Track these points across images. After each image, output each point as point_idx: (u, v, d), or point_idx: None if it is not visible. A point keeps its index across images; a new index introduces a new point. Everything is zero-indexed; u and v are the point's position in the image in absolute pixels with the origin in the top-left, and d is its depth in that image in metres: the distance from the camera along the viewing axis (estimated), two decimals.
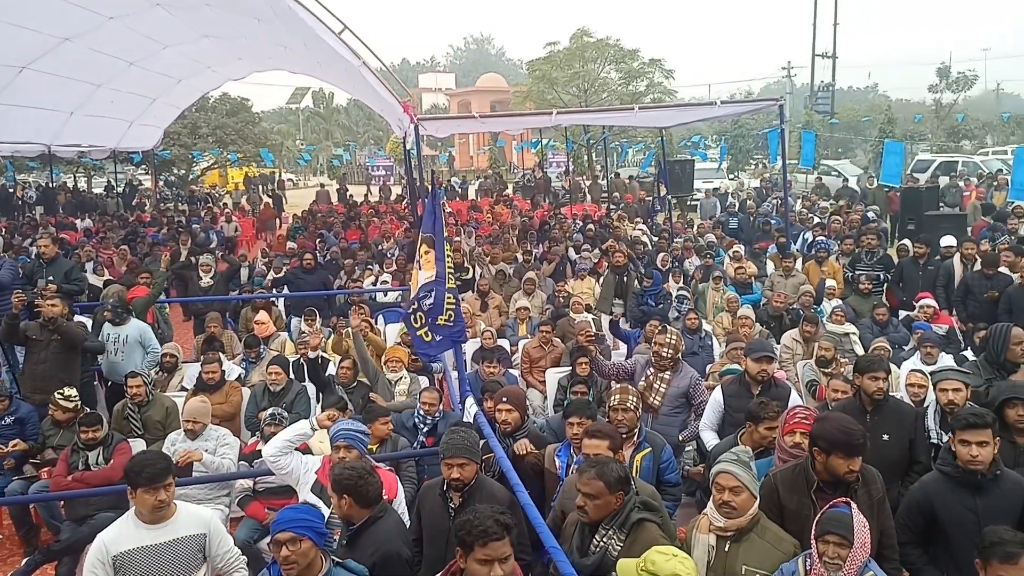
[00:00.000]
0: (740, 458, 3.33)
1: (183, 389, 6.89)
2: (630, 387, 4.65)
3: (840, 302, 8.75)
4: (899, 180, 14.69)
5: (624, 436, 4.29)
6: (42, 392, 6.21)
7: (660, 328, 6.03)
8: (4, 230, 17.34)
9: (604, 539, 3.26)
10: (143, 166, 31.96)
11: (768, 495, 3.54)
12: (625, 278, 9.86)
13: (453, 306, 5.34)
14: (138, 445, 5.61)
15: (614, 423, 4.36)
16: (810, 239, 12.49)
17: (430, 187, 6.38)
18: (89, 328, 7.17)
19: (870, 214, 14.50)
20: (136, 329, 7.16)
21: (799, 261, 11.16)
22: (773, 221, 14.69)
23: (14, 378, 6.62)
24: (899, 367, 6.68)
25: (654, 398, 5.46)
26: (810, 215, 15.64)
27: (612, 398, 4.50)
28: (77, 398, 5.80)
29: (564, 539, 3.48)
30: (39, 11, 10.72)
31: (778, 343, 7.55)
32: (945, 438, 4.55)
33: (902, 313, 8.76)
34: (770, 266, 11.19)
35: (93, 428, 5.27)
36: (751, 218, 15.75)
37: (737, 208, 17.64)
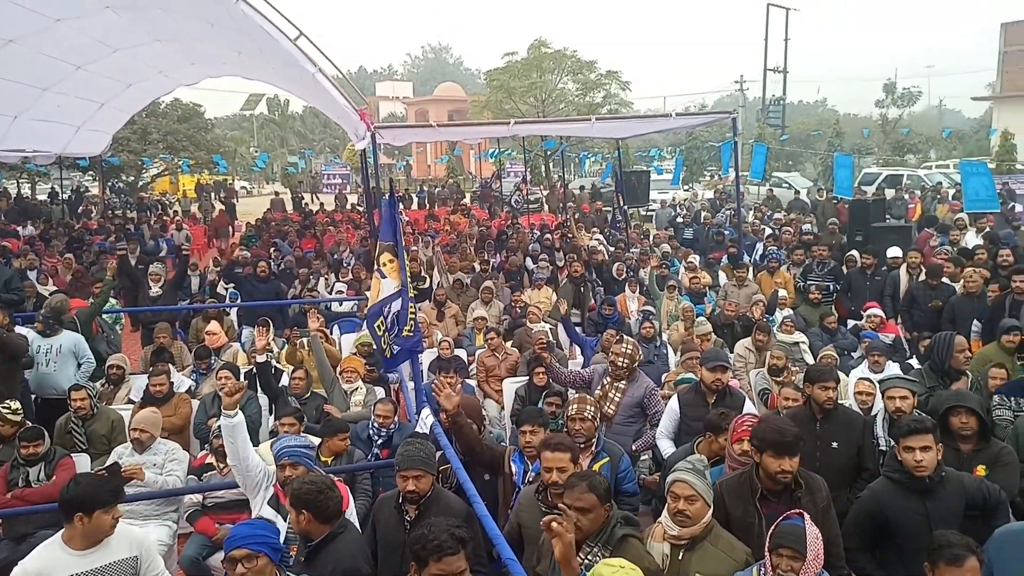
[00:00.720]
0: (695, 467, 3.35)
1: (130, 402, 6.69)
2: (587, 396, 4.66)
3: (791, 312, 8.92)
4: (851, 192, 15.12)
5: (582, 446, 4.29)
6: None
7: (617, 337, 6.07)
8: None
9: (589, 556, 3.16)
10: (90, 172, 31.14)
11: (714, 503, 3.58)
12: (582, 288, 9.92)
13: (414, 316, 5.31)
14: (82, 460, 5.43)
15: (572, 433, 4.36)
16: (762, 250, 12.74)
17: (388, 195, 6.32)
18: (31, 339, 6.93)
19: (805, 226, 14.89)
20: (70, 340, 6.93)
21: (751, 271, 11.36)
22: (726, 232, 14.95)
23: None
24: (847, 375, 6.84)
25: (608, 407, 5.50)
26: (762, 226, 15.95)
27: (570, 408, 4.51)
28: (21, 412, 5.59)
29: (542, 556, 3.41)
30: None
31: (731, 352, 7.66)
32: (893, 444, 4.67)
33: (850, 322, 8.98)
34: (723, 276, 11.37)
35: (34, 443, 5.07)
36: (705, 229, 16.00)
37: (692, 219, 17.91)
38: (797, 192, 24.00)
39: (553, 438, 3.89)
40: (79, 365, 6.93)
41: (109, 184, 30.68)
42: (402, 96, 62.61)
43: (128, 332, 10.72)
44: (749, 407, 5.22)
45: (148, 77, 17.50)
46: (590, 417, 4.42)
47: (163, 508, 5.15)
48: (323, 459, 5.12)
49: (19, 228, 19.20)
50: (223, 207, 25.97)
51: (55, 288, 10.55)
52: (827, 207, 18.08)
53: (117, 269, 9.12)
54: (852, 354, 7.72)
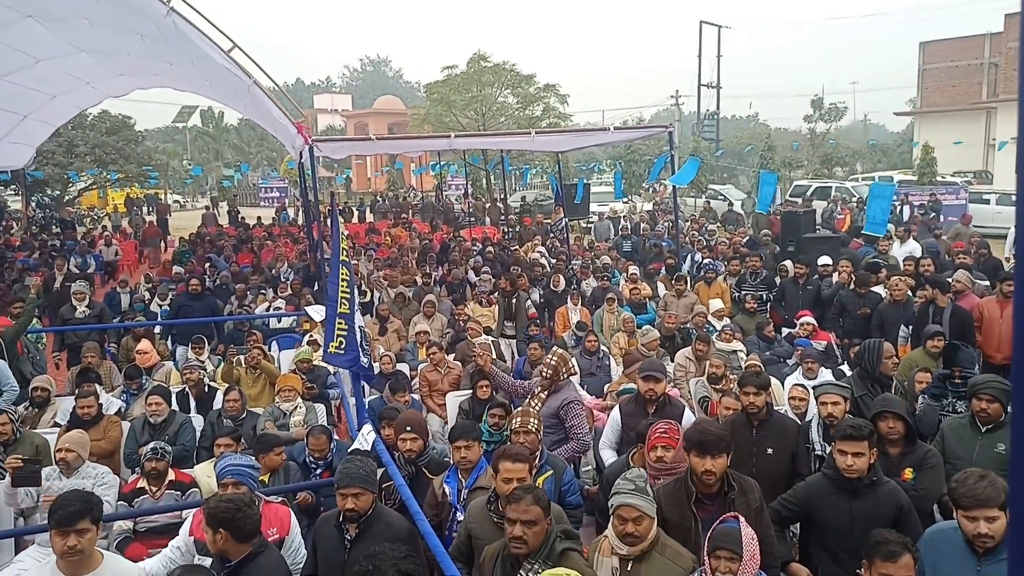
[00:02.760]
0: (637, 485, 3.37)
1: (56, 425, 6.40)
2: (531, 410, 4.67)
3: (728, 321, 9.12)
4: (767, 209, 15.78)
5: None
6: None
7: (545, 349, 6.13)
8: None
9: (531, 572, 3.17)
10: (13, 186, 29.88)
11: None
12: (515, 301, 9.97)
13: (345, 332, 5.18)
14: (5, 483, 5.16)
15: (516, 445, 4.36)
16: (699, 260, 13.02)
17: (328, 209, 6.25)
18: None
19: (739, 239, 15.34)
20: None
21: (689, 282, 11.59)
22: (665, 243, 15.22)
23: None
24: (783, 382, 7.02)
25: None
26: (700, 237, 16.31)
27: (514, 420, 4.51)
28: None
29: (484, 573, 3.40)
30: None
31: (672, 362, 7.79)
32: (828, 448, 4.81)
33: (784, 330, 9.23)
34: (661, 287, 11.56)
35: None
36: (644, 241, 16.27)
37: (631, 231, 18.19)
38: (731, 204, 24.64)
39: (511, 448, 3.89)
40: (0, 391, 6.58)
41: (33, 198, 29.47)
42: (341, 109, 62.02)
43: (51, 352, 10.26)
44: (689, 416, 5.30)
45: (74, 88, 16.90)
46: (534, 430, 4.43)
47: None
48: (259, 478, 4.99)
49: None
50: (154, 220, 25.29)
51: None
52: (760, 219, 18.60)
53: (42, 287, 8.76)
54: (787, 361, 7.93)
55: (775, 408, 5.40)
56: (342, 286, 5.17)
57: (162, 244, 22.38)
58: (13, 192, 31.40)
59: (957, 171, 28.68)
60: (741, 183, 40.33)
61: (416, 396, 7.59)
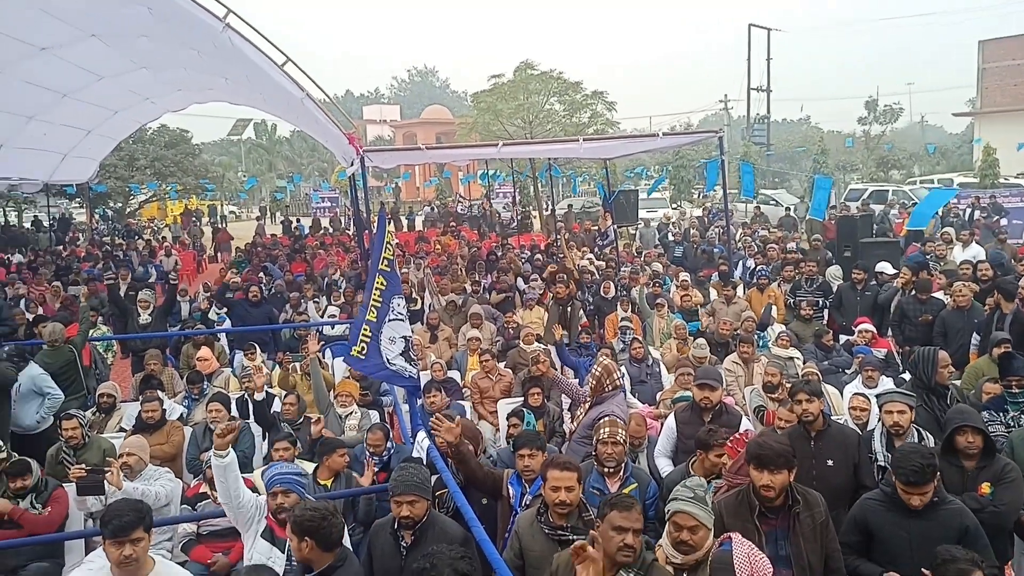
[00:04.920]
0: (696, 494, 3.32)
1: (122, 430, 6.61)
2: (619, 420, 4.62)
3: (784, 327, 8.95)
4: (823, 215, 15.55)
5: (611, 470, 4.28)
6: None
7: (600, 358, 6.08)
8: None
9: None
10: (77, 199, 31.01)
11: (713, 522, 3.58)
12: (569, 308, 9.93)
13: (368, 339, 5.25)
14: (74, 490, 5.35)
15: (602, 456, 4.34)
16: (751, 266, 12.81)
17: (377, 218, 6.34)
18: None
19: (791, 244, 15.03)
20: (28, 377, 6.72)
21: (741, 288, 11.42)
22: (716, 250, 15.03)
23: None
24: (842, 391, 6.86)
25: (574, 424, 5.50)
26: (751, 243, 16.05)
27: (601, 431, 4.44)
28: (5, 448, 5.52)
29: None
30: None
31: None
32: (891, 459, 4.67)
33: (842, 338, 9.02)
34: (713, 294, 11.41)
35: (22, 477, 5.01)
36: (694, 247, 16.09)
37: (681, 237, 18.00)
38: (787, 209, 24.16)
39: (559, 457, 3.86)
40: (44, 399, 6.78)
41: (96, 211, 30.58)
42: (389, 119, 62.86)
43: (119, 359, 10.62)
44: (746, 424, 5.22)
45: (134, 104, 17.53)
46: (621, 441, 4.38)
47: (157, 537, 5.06)
48: (322, 481, 5.07)
49: (7, 256, 19.08)
50: (221, 228, 26.60)
51: (42, 315, 10.47)
52: (814, 223, 18.23)
53: (108, 297, 9.06)
54: (846, 371, 7.74)
55: (834, 418, 5.28)
56: (375, 295, 5.25)
57: (218, 255, 23.06)
58: (78, 205, 32.61)
59: (1022, 172, 27.67)
60: (793, 187, 39.59)
61: (466, 403, 7.64)
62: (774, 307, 9.83)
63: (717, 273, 12.32)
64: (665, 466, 5.22)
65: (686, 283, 11.22)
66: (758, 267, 12.29)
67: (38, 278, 14.37)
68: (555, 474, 3.68)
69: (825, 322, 9.56)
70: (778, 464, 3.54)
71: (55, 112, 15.31)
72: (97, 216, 30.47)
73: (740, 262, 13.43)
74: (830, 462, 4.57)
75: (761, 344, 8.45)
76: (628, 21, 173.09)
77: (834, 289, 10.20)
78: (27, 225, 28.99)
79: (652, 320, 9.78)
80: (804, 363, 7.68)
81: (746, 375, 7.48)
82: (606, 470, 4.36)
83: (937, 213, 14.33)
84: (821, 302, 9.91)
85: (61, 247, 22.13)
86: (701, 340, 8.21)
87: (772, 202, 27.27)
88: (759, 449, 3.59)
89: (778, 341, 8.07)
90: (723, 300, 10.09)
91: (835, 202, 21.43)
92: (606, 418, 4.68)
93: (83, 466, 5.00)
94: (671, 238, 18.09)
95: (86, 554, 4.76)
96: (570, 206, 27.23)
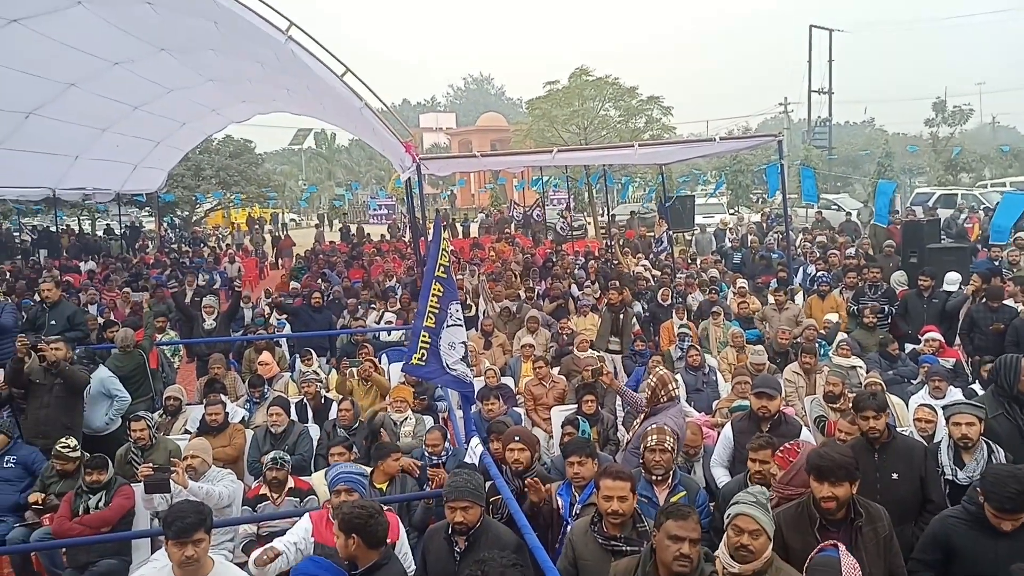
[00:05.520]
0: (758, 499, 3.26)
1: (186, 432, 6.83)
2: (666, 428, 4.59)
3: (846, 335, 8.71)
4: (886, 220, 15.10)
5: (660, 478, 4.24)
6: (44, 437, 6.17)
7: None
8: (8, 274, 17.39)
9: None
10: (147, 208, 32.17)
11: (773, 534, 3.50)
12: (622, 315, 9.85)
13: (428, 345, 5.29)
14: (141, 489, 5.54)
15: (649, 463, 4.31)
16: (812, 273, 12.50)
17: (432, 225, 6.42)
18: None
19: (849, 250, 14.60)
20: (98, 380, 6.97)
21: (799, 295, 11.15)
22: (775, 255, 14.72)
23: (16, 421, 6.57)
24: (907, 402, 6.64)
25: (630, 434, 5.45)
26: (812, 249, 15.68)
27: (649, 438, 4.41)
28: (79, 447, 5.75)
29: None
30: (46, 58, 10.91)
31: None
32: (960, 474, 4.49)
33: (908, 346, 8.73)
34: (772, 301, 11.17)
35: (98, 471, 5.23)
36: (753, 253, 15.79)
37: (739, 243, 17.69)
38: (848, 214, 23.50)
39: (612, 466, 3.84)
40: (112, 402, 7.03)
41: (164, 219, 31.69)
42: (445, 127, 63.45)
43: (184, 363, 10.98)
44: (806, 435, 5.10)
45: (201, 115, 18.18)
46: (670, 449, 4.33)
47: (219, 537, 5.21)
48: (377, 485, 5.15)
49: (80, 263, 19.91)
50: (284, 235, 27.76)
51: (112, 320, 10.91)
52: (878, 229, 17.71)
53: (174, 303, 9.38)
54: (912, 381, 7.49)
55: (899, 429, 5.11)
56: (432, 301, 5.31)
57: (279, 261, 23.66)
58: (147, 213, 33.83)
59: None
60: (856, 191, 38.49)
61: (519, 410, 7.65)
62: (834, 316, 9.55)
63: (776, 280, 12.07)
64: (722, 476, 5.13)
65: (744, 290, 11.02)
66: (819, 273, 11.99)
67: (109, 284, 14.94)
68: (608, 483, 3.65)
69: (889, 330, 9.26)
70: (840, 476, 3.44)
71: (127, 124, 15.99)
72: (165, 224, 31.58)
73: (800, 268, 13.13)
74: (895, 475, 4.41)
75: (822, 353, 8.24)
76: (686, 26, 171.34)
77: (898, 296, 9.88)
78: (100, 233, 30.23)
79: (708, 327, 9.63)
80: (867, 372, 7.45)
81: (807, 386, 7.30)
82: (654, 478, 4.32)
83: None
84: (887, 309, 9.62)
85: (131, 254, 22.98)
86: (759, 347, 8.06)
87: (834, 207, 26.58)
88: (821, 460, 3.49)
89: (839, 350, 7.85)
90: (775, 306, 9.88)
91: (900, 207, 20.76)
92: (653, 425, 4.64)
93: (150, 465, 5.19)
94: (728, 244, 17.79)
95: (152, 552, 4.93)
96: (633, 213, 27.02)
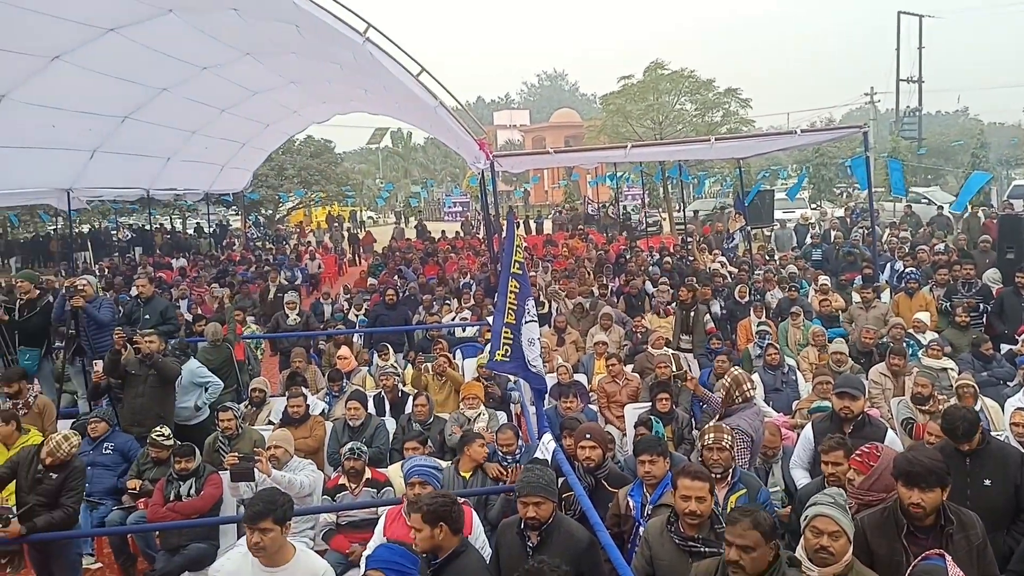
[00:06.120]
0: (837, 501, 3.17)
1: (270, 423, 7.08)
2: (724, 425, 4.51)
3: (936, 335, 8.33)
4: (961, 208, 14.37)
5: (718, 476, 4.18)
6: (139, 425, 6.50)
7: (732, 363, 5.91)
8: (106, 271, 18.39)
9: None
10: (233, 207, 33.46)
11: (856, 540, 3.37)
12: (693, 313, 9.68)
13: (510, 341, 5.33)
14: (228, 477, 5.78)
15: (708, 462, 4.24)
16: (900, 269, 11.99)
17: (506, 222, 6.46)
18: None
19: (939, 246, 13.90)
20: (188, 371, 7.25)
21: (887, 292, 10.71)
22: (860, 251, 14.17)
23: (114, 410, 6.95)
24: (1003, 405, 6.30)
25: None
26: (900, 244, 15.04)
27: (706, 436, 4.36)
28: (172, 436, 6.04)
29: None
30: (140, 64, 11.46)
31: (867, 379, 7.23)
32: None
33: (1003, 347, 8.28)
34: (856, 298, 10.78)
35: (186, 459, 5.48)
36: (836, 249, 15.25)
37: (821, 239, 17.12)
38: (940, 208, 22.40)
39: (690, 466, 3.79)
40: (204, 390, 7.33)
41: (250, 218, 32.91)
42: (519, 124, 63.68)
43: (267, 356, 11.37)
44: (892, 438, 4.91)
45: (283, 117, 18.80)
46: (727, 447, 4.27)
47: (300, 525, 5.39)
48: (463, 472, 5.24)
49: (172, 260, 20.87)
50: (366, 232, 29.09)
51: (200, 314, 11.40)
52: (973, 223, 16.85)
53: (259, 298, 9.73)
54: (1008, 383, 7.10)
55: (994, 434, 4.86)
56: (510, 298, 5.34)
57: (357, 259, 24.25)
58: (234, 212, 35.18)
59: None
60: (949, 184, 36.70)
61: (594, 407, 7.62)
62: (924, 314, 9.13)
63: (860, 277, 11.63)
64: (802, 478, 5.00)
65: (826, 287, 10.66)
66: (907, 270, 11.49)
67: (198, 281, 15.61)
68: (686, 483, 3.61)
69: (984, 330, 8.80)
70: (931, 482, 3.30)
71: (214, 126, 16.68)
72: (250, 223, 32.81)
73: (887, 265, 12.61)
74: (987, 482, 4.20)
75: (911, 354, 7.89)
76: (765, 16, 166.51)
77: (994, 293, 9.38)
78: (190, 231, 31.62)
79: (787, 327, 9.36)
80: (959, 374, 7.11)
81: (895, 387, 7.02)
82: (713, 476, 4.24)
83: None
84: (981, 307, 9.15)
85: (219, 252, 23.94)
86: (840, 340, 7.81)
87: (924, 200, 25.41)
88: (910, 466, 3.35)
89: (930, 351, 7.51)
90: (862, 305, 9.51)
91: (996, 200, 19.66)
92: (711, 424, 4.55)
93: (236, 454, 5.40)
94: (809, 240, 17.23)
95: (238, 538, 5.14)
96: (720, 207, 26.52)
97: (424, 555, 3.58)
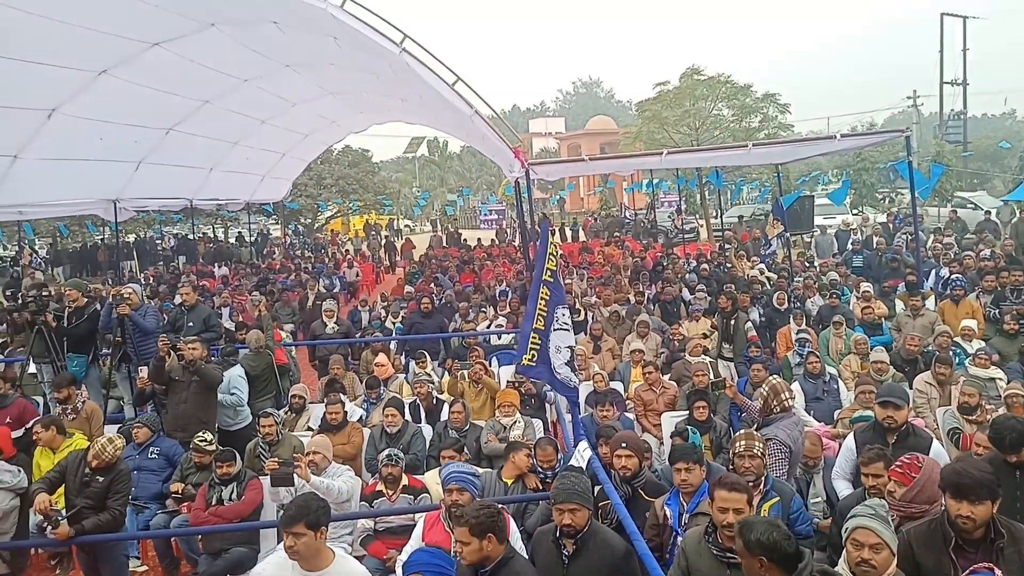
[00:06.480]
0: (878, 512, 3.10)
1: (309, 429, 7.17)
2: (755, 432, 4.46)
3: (983, 344, 8.11)
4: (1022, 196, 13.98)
5: (750, 484, 4.12)
6: (183, 431, 6.63)
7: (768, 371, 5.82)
8: (151, 279, 18.81)
9: None
10: (274, 216, 34.02)
11: (902, 553, 3.30)
12: (734, 321, 9.57)
13: (538, 347, 5.34)
14: (268, 482, 5.86)
15: (739, 470, 4.19)
16: (945, 276, 11.71)
17: (540, 230, 6.49)
18: None
19: (985, 252, 13.52)
20: (227, 378, 7.34)
21: (931, 299, 10.46)
22: (903, 257, 13.87)
23: (159, 415, 7.10)
24: None
25: None
26: (945, 251, 14.68)
27: (738, 444, 4.31)
28: (214, 441, 6.16)
29: None
30: (183, 77, 11.76)
31: (911, 388, 7.08)
32: None
33: None
34: (899, 306, 10.55)
35: (227, 463, 5.57)
36: (879, 255, 14.95)
37: (862, 245, 16.79)
38: (987, 212, 21.80)
39: (728, 477, 3.73)
40: (230, 395, 7.43)
41: (289, 227, 33.41)
42: (554, 132, 63.67)
43: (305, 363, 11.51)
44: (937, 448, 4.79)
45: (322, 127, 19.10)
46: (759, 454, 4.22)
47: (338, 530, 5.45)
48: (505, 478, 5.24)
49: (214, 268, 21.27)
50: (406, 238, 29.82)
51: (242, 322, 11.59)
52: (1021, 228, 16.39)
53: (298, 306, 9.87)
54: None
55: None
56: (540, 304, 5.37)
57: (393, 268, 24.52)
58: (274, 221, 35.76)
59: None
60: (996, 188, 35.75)
61: (630, 415, 7.57)
62: (971, 321, 8.90)
63: (904, 283, 11.38)
64: (844, 489, 4.90)
65: (868, 294, 10.45)
66: (953, 276, 11.21)
67: (239, 289, 15.87)
68: (723, 495, 3.55)
69: None
70: (980, 495, 3.21)
71: (255, 137, 17.02)
72: (290, 231, 33.30)
73: (932, 271, 12.32)
74: None
75: (958, 363, 7.70)
76: (802, 19, 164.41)
77: None
78: (232, 240, 32.21)
79: (828, 335, 9.19)
80: (1008, 384, 6.91)
81: (941, 397, 6.85)
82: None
83: None
84: None
85: (259, 260, 24.34)
86: (879, 347, 7.65)
87: (970, 205, 24.77)
88: (959, 477, 3.25)
89: (977, 359, 7.32)
90: (909, 313, 9.31)
91: None
92: (742, 431, 4.49)
93: (276, 460, 5.48)
94: (850, 246, 16.91)
95: (278, 542, 5.21)
96: (771, 214, 26.18)
97: (470, 566, 3.57)
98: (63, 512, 4.79)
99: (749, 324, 9.68)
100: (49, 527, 4.63)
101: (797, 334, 9.03)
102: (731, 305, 9.62)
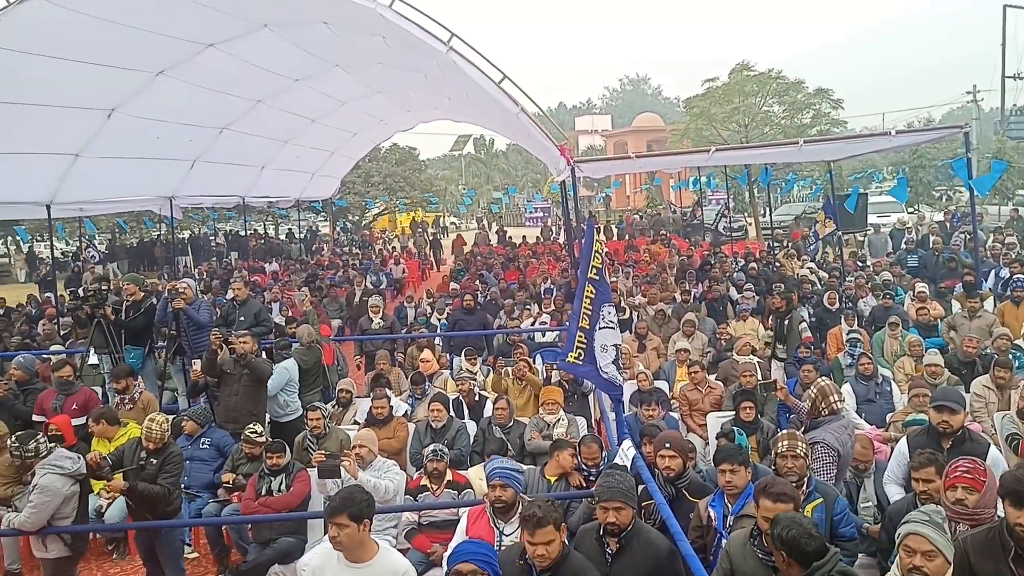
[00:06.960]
0: (932, 519, 3.02)
1: (355, 423, 7.28)
2: (798, 433, 4.39)
3: None
4: None
5: (793, 484, 4.06)
6: (234, 422, 6.80)
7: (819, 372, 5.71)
8: (204, 274, 19.29)
9: None
10: (323, 213, 34.57)
11: (958, 561, 3.20)
12: (788, 321, 9.39)
13: (584, 345, 5.33)
14: (316, 474, 5.97)
15: (782, 470, 4.14)
16: (1006, 276, 11.32)
17: (586, 227, 6.46)
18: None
19: None
20: (282, 369, 7.52)
21: (990, 301, 10.13)
22: (962, 257, 13.45)
23: (211, 407, 7.29)
24: None
25: None
26: (1006, 250, 14.19)
27: (780, 444, 4.26)
28: (264, 433, 6.30)
29: None
30: (237, 77, 12.03)
31: (968, 392, 6.87)
32: None
33: None
34: (957, 307, 10.24)
35: (277, 455, 5.71)
36: (935, 255, 14.52)
37: (918, 244, 16.33)
38: None
39: (775, 486, 3.65)
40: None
41: (338, 224, 33.91)
42: (601, 129, 63.32)
43: (352, 357, 11.68)
44: (994, 455, 4.65)
45: (370, 126, 19.34)
46: (802, 455, 4.16)
47: (383, 523, 5.52)
48: (548, 476, 5.26)
49: (265, 265, 21.72)
50: (457, 235, 30.27)
51: (291, 316, 11.82)
52: None
53: (345, 302, 10.02)
54: None
55: None
56: (585, 303, 5.37)
57: (436, 265, 24.74)
58: (323, 218, 36.34)
59: None
60: None
61: (675, 415, 7.51)
62: None
63: (961, 284, 11.04)
64: (895, 494, 4.79)
65: (923, 295, 10.16)
66: (1014, 277, 10.83)
67: (289, 284, 16.18)
68: (767, 504, 3.51)
69: None
70: None
71: (305, 136, 17.32)
72: (338, 228, 33.78)
73: (992, 272, 11.92)
74: None
75: (1018, 366, 7.44)
76: (857, 12, 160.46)
77: None
78: (282, 237, 32.82)
79: (882, 336, 8.97)
80: None
81: (999, 401, 6.64)
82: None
83: None
84: None
85: (309, 257, 24.77)
86: (933, 349, 7.44)
87: None
88: (1019, 484, 3.14)
89: None
90: (966, 314, 9.03)
91: None
92: (784, 431, 4.42)
93: (323, 452, 5.58)
94: (904, 245, 16.46)
95: (324, 534, 5.31)
96: (822, 211, 25.67)
97: (525, 560, 3.54)
98: (109, 459, 5.05)
99: (804, 325, 9.50)
100: (105, 480, 5.02)
101: (848, 335, 8.83)
102: (786, 305, 9.45)
